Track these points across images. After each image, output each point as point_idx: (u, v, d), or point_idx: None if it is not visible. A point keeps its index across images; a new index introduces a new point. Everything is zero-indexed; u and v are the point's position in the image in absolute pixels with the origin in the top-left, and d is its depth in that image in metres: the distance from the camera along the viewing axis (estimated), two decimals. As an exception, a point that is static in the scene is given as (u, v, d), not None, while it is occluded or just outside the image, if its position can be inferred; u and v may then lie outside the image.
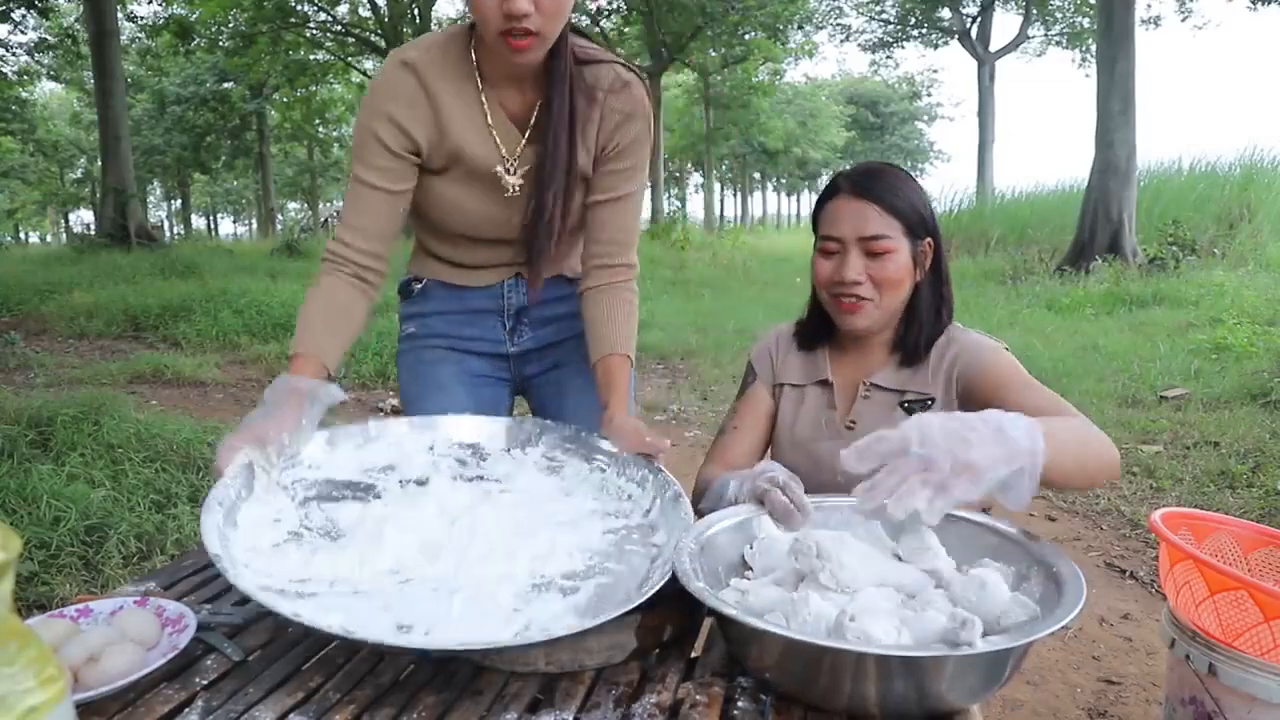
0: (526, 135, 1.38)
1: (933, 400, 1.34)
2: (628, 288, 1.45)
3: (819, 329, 1.44)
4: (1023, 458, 0.85)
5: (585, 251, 1.46)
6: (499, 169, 1.37)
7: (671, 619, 0.98)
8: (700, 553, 0.99)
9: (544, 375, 1.63)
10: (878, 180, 1.32)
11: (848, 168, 1.39)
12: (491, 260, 1.52)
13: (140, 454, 3.58)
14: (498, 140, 1.37)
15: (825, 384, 1.41)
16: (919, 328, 1.36)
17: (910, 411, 1.34)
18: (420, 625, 0.90)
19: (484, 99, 1.35)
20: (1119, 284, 8.84)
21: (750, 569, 1.04)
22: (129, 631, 0.92)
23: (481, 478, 1.26)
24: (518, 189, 1.39)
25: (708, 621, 1.05)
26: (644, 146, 1.43)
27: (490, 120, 1.36)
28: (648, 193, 1.67)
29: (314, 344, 1.29)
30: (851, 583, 0.91)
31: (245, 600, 1.11)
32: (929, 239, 1.34)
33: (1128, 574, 3.00)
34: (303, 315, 1.32)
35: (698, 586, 0.88)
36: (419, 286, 1.58)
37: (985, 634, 0.83)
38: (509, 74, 1.35)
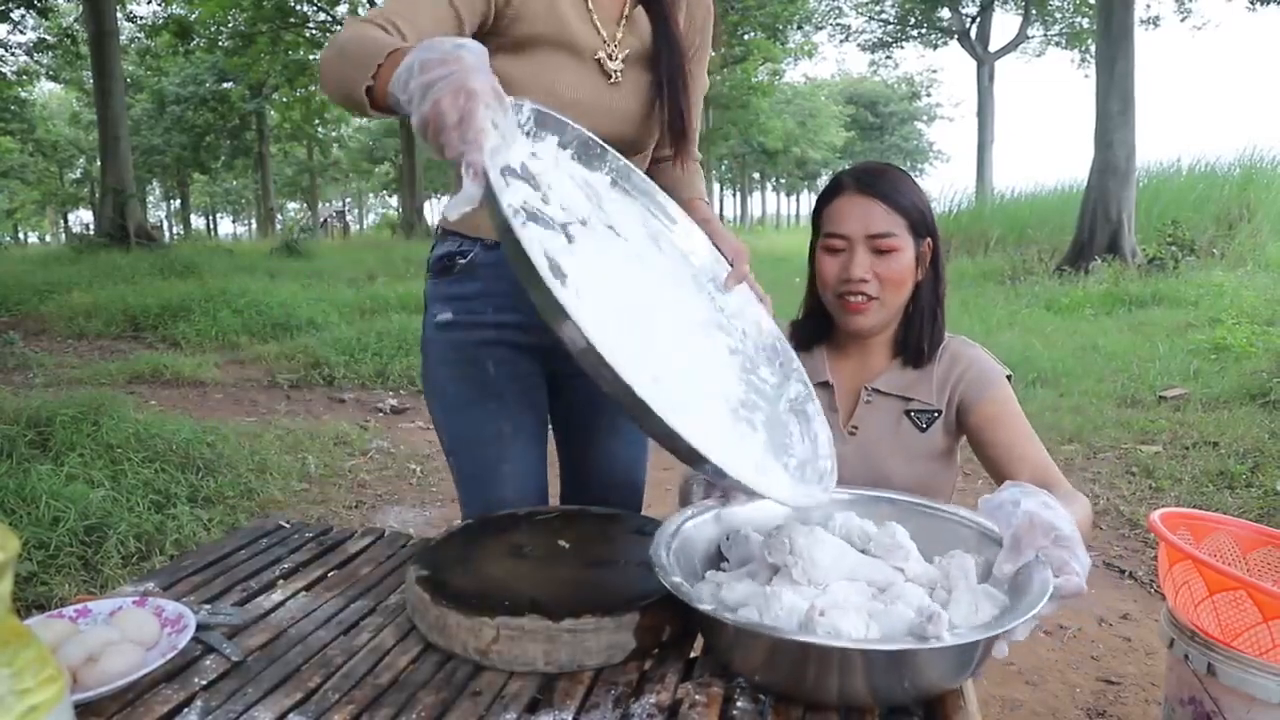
0: (621, 25, 1.35)
1: (939, 413, 1.34)
2: (695, 166, 1.48)
3: (816, 329, 1.44)
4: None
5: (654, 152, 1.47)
6: (601, 54, 1.32)
7: (670, 619, 0.98)
8: (677, 546, 0.99)
9: (584, 380, 1.45)
10: (882, 178, 1.33)
11: (848, 167, 1.40)
12: None
13: (139, 454, 3.59)
14: (598, 24, 1.32)
15: (825, 385, 1.41)
16: (919, 328, 1.37)
17: (915, 422, 1.35)
18: (713, 453, 0.85)
19: None
20: (1118, 284, 8.84)
21: (726, 561, 1.05)
22: (128, 632, 0.92)
23: (585, 222, 1.11)
24: (620, 74, 1.34)
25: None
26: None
27: (590, 5, 1.32)
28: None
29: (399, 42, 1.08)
30: (823, 578, 0.92)
31: (245, 600, 1.11)
32: (929, 238, 1.34)
33: (1127, 574, 3.00)
34: (363, 35, 1.08)
35: (674, 581, 0.89)
36: (463, 261, 1.39)
37: (954, 626, 0.85)
38: None
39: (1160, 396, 5.03)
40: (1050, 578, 0.88)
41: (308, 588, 1.15)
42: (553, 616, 0.92)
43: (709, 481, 1.14)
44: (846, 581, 0.93)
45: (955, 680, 0.84)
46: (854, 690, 0.82)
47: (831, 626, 0.83)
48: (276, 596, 1.12)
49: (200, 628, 0.98)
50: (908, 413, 1.36)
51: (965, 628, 0.86)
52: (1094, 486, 3.78)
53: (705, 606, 0.85)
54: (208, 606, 1.06)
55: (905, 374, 1.38)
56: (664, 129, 1.39)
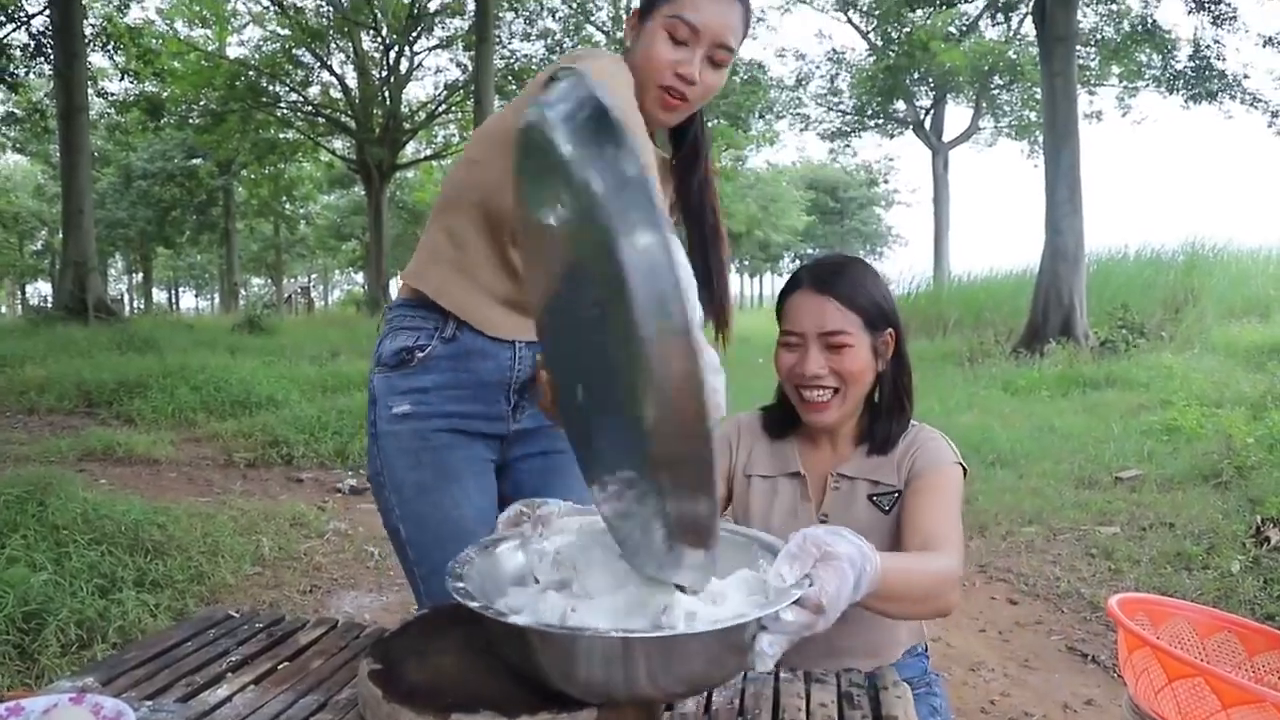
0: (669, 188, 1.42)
1: (899, 493, 1.36)
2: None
3: (787, 418, 1.46)
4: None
5: None
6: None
7: (631, 714, 0.96)
8: (485, 568, 1.05)
9: (531, 460, 1.54)
10: (838, 275, 1.36)
11: (810, 261, 1.44)
12: None
13: (86, 535, 3.45)
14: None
15: (796, 476, 1.43)
16: (884, 418, 1.40)
17: (877, 504, 1.37)
18: None
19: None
20: (1072, 366, 9.04)
21: (537, 582, 1.07)
22: (63, 732, 0.88)
23: None
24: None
25: (667, 716, 1.03)
26: None
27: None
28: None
29: None
30: (595, 590, 0.96)
31: (189, 695, 1.07)
32: (890, 330, 1.37)
33: (1090, 658, 2.99)
34: None
35: (459, 588, 0.93)
36: (421, 355, 1.42)
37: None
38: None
39: (1116, 477, 5.11)
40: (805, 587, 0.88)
41: (256, 682, 1.11)
42: (508, 714, 0.89)
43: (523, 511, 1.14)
44: (615, 592, 0.96)
45: (711, 677, 0.89)
46: (613, 681, 0.84)
47: (579, 621, 0.88)
48: (222, 692, 1.08)
49: (140, 726, 0.94)
50: (871, 496, 1.38)
51: (705, 621, 0.87)
52: (1055, 569, 3.80)
53: (474, 604, 0.88)
54: (149, 703, 1.02)
55: (871, 459, 1.40)
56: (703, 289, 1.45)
